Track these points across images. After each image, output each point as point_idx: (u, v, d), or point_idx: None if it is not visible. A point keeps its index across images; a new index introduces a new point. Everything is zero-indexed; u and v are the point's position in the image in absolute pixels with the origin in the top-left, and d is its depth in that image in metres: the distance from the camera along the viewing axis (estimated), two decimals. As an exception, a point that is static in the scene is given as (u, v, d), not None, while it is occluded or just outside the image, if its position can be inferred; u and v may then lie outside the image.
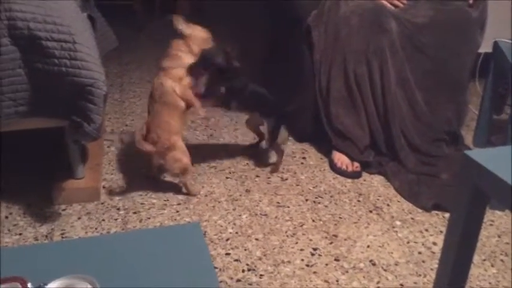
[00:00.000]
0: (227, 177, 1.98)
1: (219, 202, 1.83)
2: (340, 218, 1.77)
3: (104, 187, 1.87)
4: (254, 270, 1.51)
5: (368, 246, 1.63)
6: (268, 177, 1.98)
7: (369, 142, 2.07)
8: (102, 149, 2.09)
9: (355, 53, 2.00)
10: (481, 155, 1.12)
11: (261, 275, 1.49)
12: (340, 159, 2.06)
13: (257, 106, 1.99)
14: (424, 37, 2.03)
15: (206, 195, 1.86)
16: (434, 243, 1.65)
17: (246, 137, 2.27)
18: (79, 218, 1.70)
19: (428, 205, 1.83)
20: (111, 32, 2.18)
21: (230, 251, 1.58)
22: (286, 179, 1.99)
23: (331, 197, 1.89)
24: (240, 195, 1.87)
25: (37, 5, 1.51)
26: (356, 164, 2.05)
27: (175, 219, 1.71)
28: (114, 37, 2.19)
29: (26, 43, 1.49)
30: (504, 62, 2.06)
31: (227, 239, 1.63)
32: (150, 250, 0.88)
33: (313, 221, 1.75)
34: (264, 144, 2.15)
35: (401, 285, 1.47)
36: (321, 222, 1.74)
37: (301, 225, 1.72)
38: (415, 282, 1.48)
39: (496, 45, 2.14)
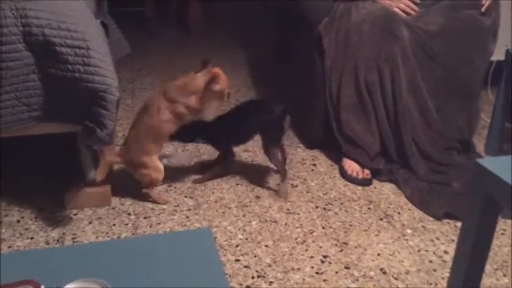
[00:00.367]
0: (237, 184, 1.99)
1: (229, 208, 1.83)
2: (351, 225, 1.76)
3: (114, 192, 1.88)
4: (264, 277, 1.51)
5: (378, 254, 1.62)
6: (278, 184, 1.98)
7: (379, 149, 2.07)
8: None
9: (367, 60, 2.00)
10: (493, 163, 1.11)
11: (270, 282, 1.49)
12: (351, 166, 2.06)
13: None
14: (436, 45, 2.02)
15: (216, 201, 1.87)
16: (446, 252, 1.63)
17: (257, 143, 2.27)
18: (90, 223, 1.71)
19: (439, 213, 1.81)
20: (123, 39, 2.20)
21: (240, 257, 1.58)
22: (296, 186, 1.99)
23: (341, 204, 1.88)
24: (250, 202, 1.88)
25: (52, 12, 1.53)
26: (366, 171, 2.04)
27: (185, 225, 1.72)
28: (126, 43, 2.21)
29: (41, 49, 1.51)
30: (517, 70, 2.05)
31: (237, 245, 1.63)
32: (161, 255, 0.88)
33: (323, 228, 1.74)
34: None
35: (412, 294, 1.47)
36: (331, 230, 1.73)
37: (311, 233, 1.72)
38: (426, 291, 1.47)
39: (508, 53, 2.12)
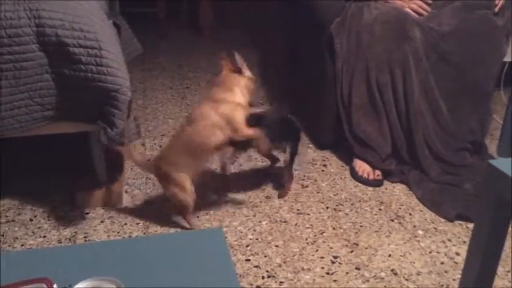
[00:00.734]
0: (247, 184, 1.99)
1: (239, 208, 1.83)
2: (361, 226, 1.75)
3: (126, 191, 1.89)
4: (274, 277, 1.51)
5: (389, 256, 1.61)
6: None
7: (390, 150, 2.06)
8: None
9: (378, 61, 1.99)
10: (505, 165, 1.10)
11: (281, 282, 1.49)
12: (362, 167, 2.05)
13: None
14: (449, 46, 2.01)
15: (226, 201, 1.87)
16: (457, 254, 1.62)
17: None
18: (102, 222, 1.73)
19: (451, 215, 1.80)
20: (135, 39, 2.21)
21: (250, 257, 1.58)
22: (307, 186, 1.98)
23: (352, 205, 1.88)
24: (261, 202, 1.88)
25: (65, 12, 1.54)
26: (377, 172, 2.03)
27: (195, 225, 1.72)
28: (138, 44, 2.22)
29: (54, 49, 1.53)
30: (530, 71, 2.03)
31: (247, 245, 1.64)
32: (172, 254, 0.89)
33: (334, 228, 1.74)
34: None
35: (423, 295, 1.46)
36: (342, 230, 1.73)
37: (322, 233, 1.71)
38: (437, 293, 1.46)
39: (521, 53, 2.11)
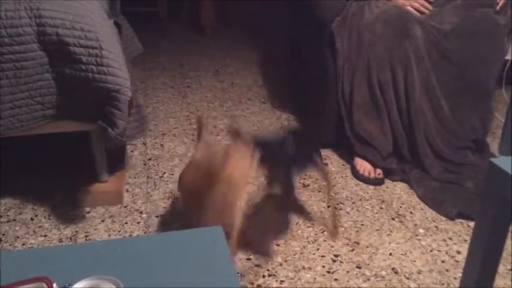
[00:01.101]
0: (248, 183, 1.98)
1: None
2: (362, 225, 1.75)
3: (127, 191, 1.89)
4: (275, 275, 1.51)
5: (390, 254, 1.61)
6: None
7: (392, 149, 2.05)
8: (126, 153, 2.12)
9: (379, 60, 1.99)
10: (507, 163, 1.10)
11: (281, 281, 1.49)
12: (363, 165, 2.05)
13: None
14: (450, 44, 2.00)
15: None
16: (458, 252, 1.62)
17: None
18: (102, 221, 1.73)
19: (452, 213, 1.80)
20: (136, 39, 2.21)
21: (251, 256, 1.58)
22: (308, 185, 1.98)
23: (353, 203, 1.87)
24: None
25: (66, 12, 1.54)
26: (379, 171, 2.03)
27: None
28: (139, 43, 2.22)
29: (54, 48, 1.53)
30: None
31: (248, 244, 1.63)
32: (173, 253, 0.89)
33: (335, 227, 1.74)
34: None
35: (424, 294, 1.45)
36: (343, 229, 1.73)
37: (323, 232, 1.71)
38: (438, 292, 1.46)
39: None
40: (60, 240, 1.63)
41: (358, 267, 1.55)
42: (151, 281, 0.82)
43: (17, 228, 1.68)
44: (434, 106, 2.02)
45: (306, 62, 2.42)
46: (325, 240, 1.67)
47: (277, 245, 1.64)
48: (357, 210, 1.84)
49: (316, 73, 2.26)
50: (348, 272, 1.53)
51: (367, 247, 1.64)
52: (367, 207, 1.85)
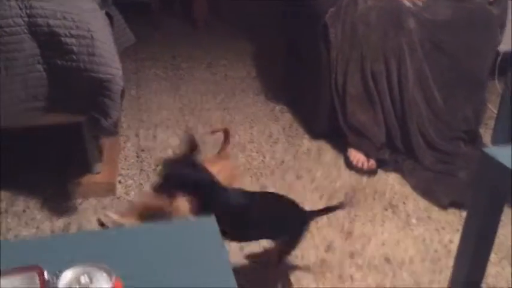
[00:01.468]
0: (242, 173, 1.98)
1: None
2: (355, 215, 1.76)
3: (120, 182, 1.89)
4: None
5: (383, 244, 1.62)
6: (283, 174, 1.98)
7: (385, 140, 2.06)
8: (119, 145, 2.11)
9: (373, 50, 1.98)
10: (499, 153, 1.10)
11: (275, 270, 1.49)
12: (356, 156, 2.05)
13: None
14: (443, 35, 2.01)
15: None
16: (451, 241, 1.63)
17: (262, 135, 2.27)
18: (95, 212, 1.72)
19: (445, 202, 1.81)
20: (128, 29, 2.19)
21: (244, 246, 1.58)
22: (302, 176, 1.98)
23: (346, 194, 1.88)
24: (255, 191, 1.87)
25: (57, 2, 1.53)
26: (372, 162, 2.03)
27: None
28: (131, 34, 2.20)
29: (45, 39, 1.52)
30: (524, 60, 2.03)
31: (242, 235, 1.63)
32: (166, 243, 0.88)
33: (328, 217, 1.74)
34: None
35: (416, 282, 1.46)
36: (336, 219, 1.73)
37: (316, 222, 1.71)
38: (430, 280, 1.47)
39: (516, 43, 2.11)
40: (53, 232, 1.62)
41: (351, 256, 1.56)
42: (143, 270, 0.82)
43: (9, 220, 1.67)
44: (428, 97, 2.02)
45: (300, 53, 2.41)
46: (318, 231, 1.67)
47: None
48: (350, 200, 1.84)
49: (310, 64, 2.25)
50: (341, 261, 1.54)
51: (360, 237, 1.65)
52: (360, 197, 1.86)
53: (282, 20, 2.74)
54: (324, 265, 1.52)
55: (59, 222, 1.67)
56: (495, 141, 2.23)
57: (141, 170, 1.97)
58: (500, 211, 1.19)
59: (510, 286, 1.48)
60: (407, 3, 2.04)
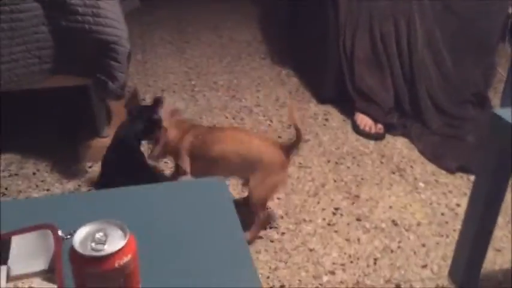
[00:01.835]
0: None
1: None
2: (363, 179, 1.76)
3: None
4: (276, 228, 1.53)
5: (390, 207, 1.63)
6: (291, 138, 1.97)
7: (393, 104, 2.04)
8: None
9: (382, 10, 1.95)
10: (509, 114, 1.10)
11: (282, 232, 1.51)
12: (363, 120, 2.04)
13: None
14: (454, -4, 1.97)
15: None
16: (458, 205, 1.64)
17: (269, 98, 2.26)
18: (104, 175, 1.73)
19: (452, 167, 1.81)
20: (133, -8, 2.15)
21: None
22: (309, 140, 1.98)
23: (353, 158, 1.88)
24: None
25: (60, -39, 1.49)
26: (379, 126, 2.02)
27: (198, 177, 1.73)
28: (136, -4, 2.17)
29: (50, 0, 1.49)
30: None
31: (249, 198, 1.64)
32: (177, 202, 0.89)
33: (335, 181, 1.75)
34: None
35: (423, 245, 1.48)
36: (343, 183, 1.74)
37: (323, 186, 1.72)
38: (437, 243, 1.48)
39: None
40: (63, 194, 1.64)
41: (358, 219, 1.57)
42: (157, 227, 0.83)
43: (20, 182, 1.69)
44: (437, 59, 1.99)
45: (307, 16, 2.37)
46: (325, 194, 1.68)
47: (278, 198, 1.65)
48: (358, 164, 1.84)
49: (318, 28, 2.22)
50: (348, 224, 1.55)
51: (367, 200, 1.65)
52: (367, 161, 1.86)
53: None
54: (331, 228, 1.53)
55: (69, 185, 1.68)
56: (504, 104, 2.20)
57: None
58: (508, 173, 1.19)
59: (516, 248, 1.49)
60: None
